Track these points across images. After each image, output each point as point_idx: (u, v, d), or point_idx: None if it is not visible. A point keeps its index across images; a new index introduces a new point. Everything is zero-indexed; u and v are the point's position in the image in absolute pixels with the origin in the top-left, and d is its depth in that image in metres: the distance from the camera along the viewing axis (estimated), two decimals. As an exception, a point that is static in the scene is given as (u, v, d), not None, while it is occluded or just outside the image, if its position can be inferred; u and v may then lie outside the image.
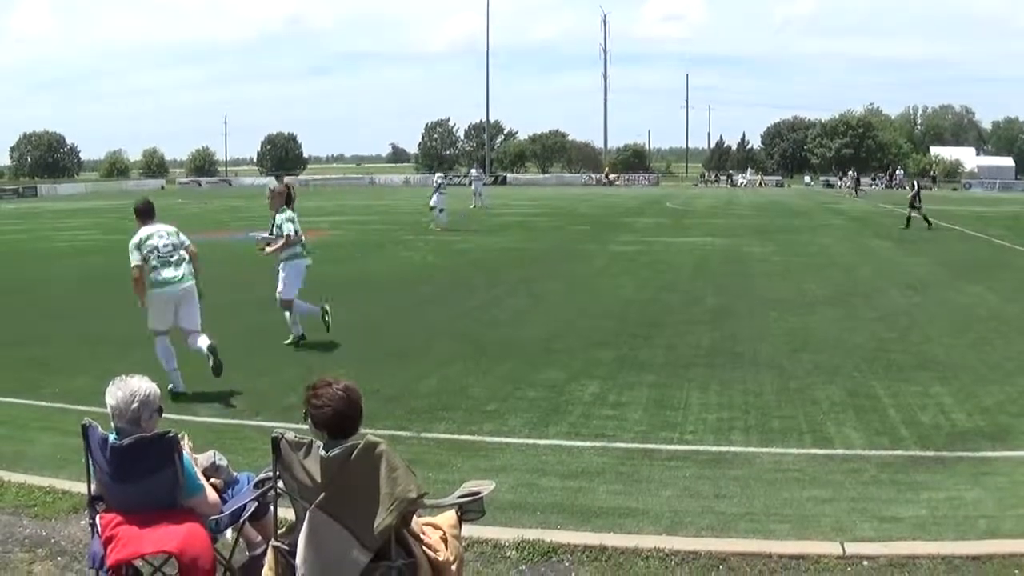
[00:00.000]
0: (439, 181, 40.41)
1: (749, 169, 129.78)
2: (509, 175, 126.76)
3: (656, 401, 11.17)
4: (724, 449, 9.42)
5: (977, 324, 16.61)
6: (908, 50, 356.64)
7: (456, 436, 9.85)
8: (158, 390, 5.68)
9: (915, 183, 43.67)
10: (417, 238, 34.40)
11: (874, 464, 8.97)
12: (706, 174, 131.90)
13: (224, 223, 41.95)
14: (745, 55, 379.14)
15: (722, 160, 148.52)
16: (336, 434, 5.02)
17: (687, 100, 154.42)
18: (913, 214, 39.37)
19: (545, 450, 9.37)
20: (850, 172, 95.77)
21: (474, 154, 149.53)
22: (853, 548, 6.94)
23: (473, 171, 67.66)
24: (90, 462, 5.66)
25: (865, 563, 6.74)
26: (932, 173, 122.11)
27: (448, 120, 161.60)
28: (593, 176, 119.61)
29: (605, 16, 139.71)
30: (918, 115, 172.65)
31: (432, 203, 38.99)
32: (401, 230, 38.79)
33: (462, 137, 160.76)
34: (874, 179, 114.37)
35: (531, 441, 9.63)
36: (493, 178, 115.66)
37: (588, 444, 9.54)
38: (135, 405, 5.50)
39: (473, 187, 58.44)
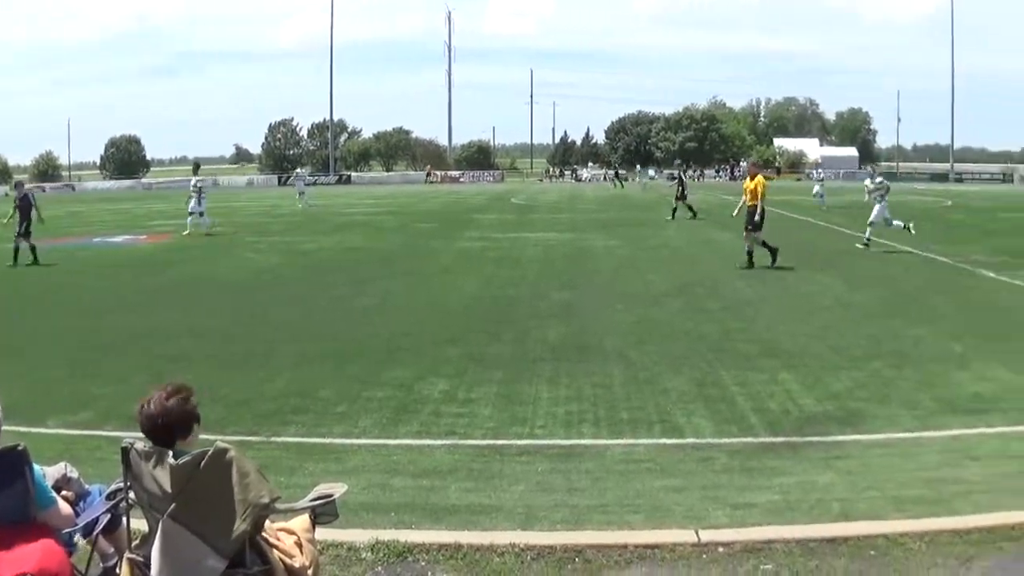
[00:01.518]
0: (199, 186, 38.56)
1: (589, 163, 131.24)
2: (354, 174, 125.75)
3: (505, 397, 11.21)
4: (575, 442, 9.50)
5: (822, 311, 17.08)
6: (752, 43, 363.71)
7: (306, 439, 9.76)
8: None
9: (678, 175, 44.29)
10: (261, 239, 33.97)
11: (725, 452, 9.14)
12: (551, 169, 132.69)
13: (68, 229, 40.79)
14: (591, 50, 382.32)
15: (566, 155, 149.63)
16: (159, 442, 4.93)
17: (531, 96, 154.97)
18: (677, 205, 40.58)
19: (396, 450, 9.35)
20: (614, 164, 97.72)
21: (318, 153, 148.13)
22: (708, 535, 7.06)
23: (298, 171, 67.02)
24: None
25: (720, 549, 6.86)
26: (776, 164, 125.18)
27: (292, 119, 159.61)
28: (437, 173, 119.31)
29: (450, 13, 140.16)
30: (761, 107, 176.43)
31: (190, 208, 37.89)
32: (245, 232, 38.22)
33: (306, 136, 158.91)
34: (717, 171, 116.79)
35: (381, 441, 9.59)
36: (337, 177, 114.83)
37: (439, 442, 9.54)
38: None
39: (296, 187, 58.04)
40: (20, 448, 5.37)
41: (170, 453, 4.89)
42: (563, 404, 10.83)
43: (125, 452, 5.02)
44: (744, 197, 24.65)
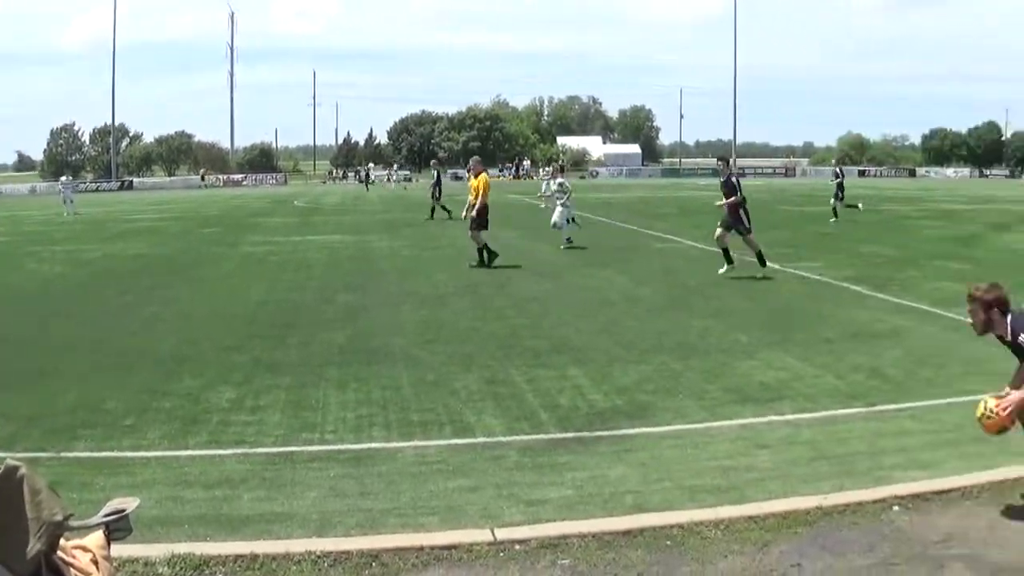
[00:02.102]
0: None
1: (371, 164, 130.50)
2: (136, 179, 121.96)
3: (294, 403, 11.07)
4: (366, 446, 9.44)
5: (608, 307, 17.35)
6: (534, 42, 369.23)
7: (96, 454, 9.45)
8: None
9: (436, 173, 44.26)
10: (44, 248, 32.73)
11: (516, 449, 9.21)
12: (334, 171, 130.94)
13: None
14: (374, 50, 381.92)
15: (350, 156, 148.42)
16: None
17: (314, 96, 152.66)
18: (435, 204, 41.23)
19: (187, 461, 9.13)
20: (368, 165, 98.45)
21: (100, 159, 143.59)
22: (503, 533, 7.10)
23: (63, 178, 64.79)
24: None
25: (517, 547, 6.90)
26: (560, 162, 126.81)
27: (74, 124, 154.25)
28: (220, 177, 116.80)
29: (233, 13, 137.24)
30: (545, 106, 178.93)
31: None
32: (28, 241, 36.74)
33: (88, 142, 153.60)
34: (501, 170, 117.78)
35: (172, 453, 9.35)
36: (120, 183, 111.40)
37: (229, 452, 9.35)
38: None
39: (62, 196, 56.22)
40: None
41: (-44, 474, 4.67)
42: (353, 408, 10.75)
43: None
44: (470, 196, 24.75)
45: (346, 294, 19.61)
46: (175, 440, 9.76)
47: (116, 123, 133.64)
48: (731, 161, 24.89)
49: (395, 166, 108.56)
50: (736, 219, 21.50)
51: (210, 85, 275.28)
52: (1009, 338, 7.61)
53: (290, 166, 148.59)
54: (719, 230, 21.67)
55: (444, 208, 41.24)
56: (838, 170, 40.65)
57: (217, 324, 16.40)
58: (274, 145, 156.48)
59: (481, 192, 24.16)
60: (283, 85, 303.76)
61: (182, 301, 19.40)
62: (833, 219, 37.56)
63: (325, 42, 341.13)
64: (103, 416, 10.71)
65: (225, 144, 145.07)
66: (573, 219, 30.18)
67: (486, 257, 23.71)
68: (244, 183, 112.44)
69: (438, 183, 42.86)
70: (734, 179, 21.80)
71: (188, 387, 11.91)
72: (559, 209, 29.40)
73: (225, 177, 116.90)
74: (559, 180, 31.21)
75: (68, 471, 8.89)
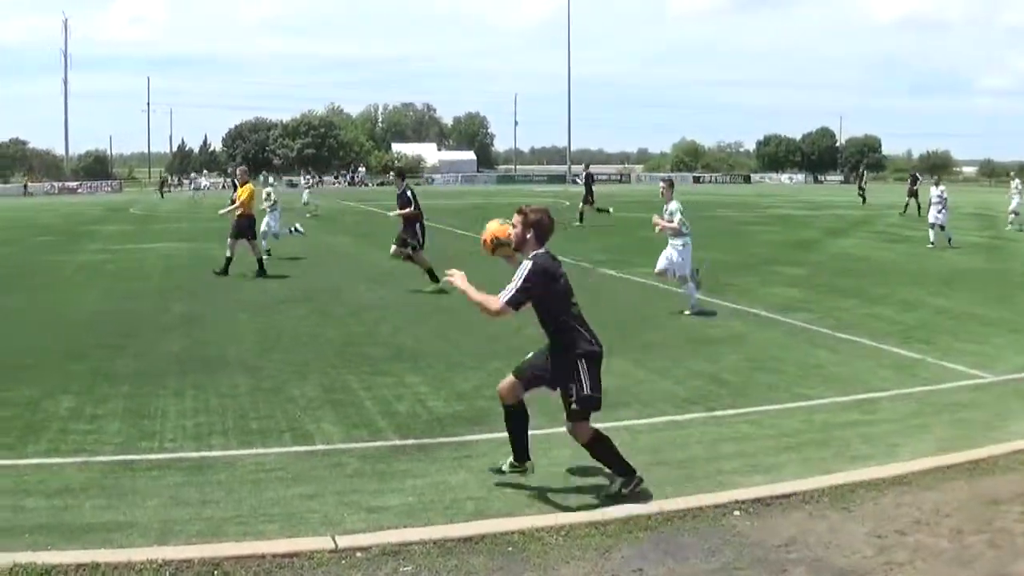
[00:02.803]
0: None
1: (205, 172, 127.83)
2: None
3: (133, 411, 10.87)
4: (206, 454, 9.34)
5: (443, 313, 17.43)
6: (368, 49, 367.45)
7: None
8: None
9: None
10: None
11: (356, 456, 9.21)
12: (169, 179, 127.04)
13: None
14: (208, 56, 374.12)
15: (184, 163, 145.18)
16: None
17: (148, 103, 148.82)
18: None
19: (26, 470, 8.91)
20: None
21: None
22: (345, 541, 7.07)
23: None
24: None
25: (359, 554, 6.88)
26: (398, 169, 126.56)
27: None
28: (54, 185, 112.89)
29: (66, 20, 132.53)
30: (379, 113, 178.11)
31: None
32: None
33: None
34: (336, 177, 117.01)
35: (10, 462, 9.11)
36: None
37: (69, 460, 9.15)
38: None
39: None
40: None
41: None
42: (191, 416, 10.60)
43: None
44: (234, 205, 24.65)
45: (183, 302, 19.28)
46: (14, 449, 9.52)
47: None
48: (404, 175, 24.77)
49: (193, 174, 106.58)
50: (411, 233, 21.40)
51: (44, 91, 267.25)
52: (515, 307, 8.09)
53: (126, 173, 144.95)
54: (393, 246, 21.66)
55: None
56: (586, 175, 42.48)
57: (55, 333, 16.04)
58: (109, 152, 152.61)
59: (246, 202, 24.08)
60: (117, 92, 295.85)
61: (18, 310, 18.87)
62: (577, 223, 39.01)
63: (159, 48, 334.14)
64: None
65: (60, 151, 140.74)
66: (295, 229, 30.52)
67: (223, 268, 23.74)
68: (79, 191, 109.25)
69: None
70: (409, 193, 21.64)
71: (26, 396, 11.61)
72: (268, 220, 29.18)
73: (60, 184, 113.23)
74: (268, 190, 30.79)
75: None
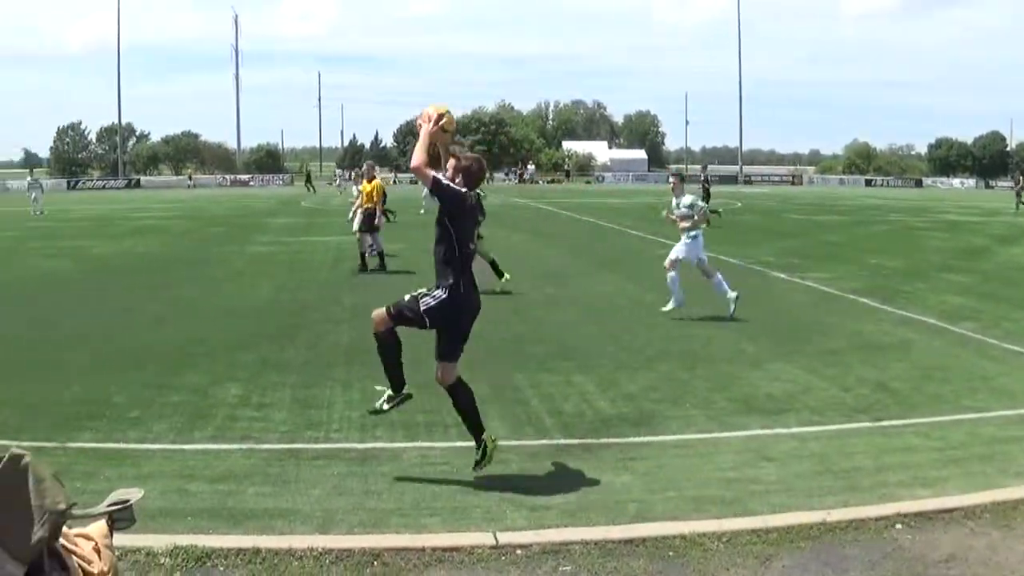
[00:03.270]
0: None
1: (376, 167, 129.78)
2: (143, 178, 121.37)
3: (300, 401, 11.09)
4: (370, 445, 9.45)
5: (616, 313, 17.33)
6: (538, 45, 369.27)
7: (102, 445, 9.46)
8: None
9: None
10: (50, 244, 32.67)
11: (520, 454, 9.20)
12: (338, 172, 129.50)
13: None
14: (376, 52, 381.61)
15: (355, 159, 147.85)
16: None
17: (319, 98, 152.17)
18: None
19: (192, 455, 9.15)
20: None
21: (106, 157, 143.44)
22: (505, 537, 7.08)
23: (28, 179, 63.93)
24: None
25: (519, 551, 6.88)
26: (566, 167, 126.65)
27: (80, 123, 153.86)
28: (226, 178, 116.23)
29: (236, 16, 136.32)
30: (549, 110, 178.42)
31: None
32: (34, 236, 36.65)
33: (94, 140, 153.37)
34: (506, 174, 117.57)
35: (177, 447, 9.37)
36: (127, 181, 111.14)
37: (234, 447, 9.37)
38: None
39: (32, 195, 55.65)
40: None
41: (-36, 462, 4.66)
42: (357, 407, 10.69)
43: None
44: (361, 199, 24.93)
45: (351, 295, 19.57)
46: (181, 433, 9.79)
47: (123, 122, 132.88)
48: None
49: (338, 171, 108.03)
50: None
51: (217, 86, 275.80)
52: (431, 185, 8.63)
53: (297, 167, 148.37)
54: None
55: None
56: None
57: (225, 322, 16.41)
58: (280, 146, 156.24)
59: (374, 197, 24.38)
60: (288, 87, 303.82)
61: (190, 299, 19.38)
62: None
63: (329, 45, 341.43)
64: (109, 409, 10.71)
65: (232, 145, 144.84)
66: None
67: (372, 264, 24.05)
68: (251, 184, 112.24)
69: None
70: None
71: (195, 382, 11.93)
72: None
73: (232, 177, 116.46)
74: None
75: (73, 461, 8.90)
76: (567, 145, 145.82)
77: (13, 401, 10.80)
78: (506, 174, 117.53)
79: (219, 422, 10.23)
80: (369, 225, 24.16)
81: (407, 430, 9.97)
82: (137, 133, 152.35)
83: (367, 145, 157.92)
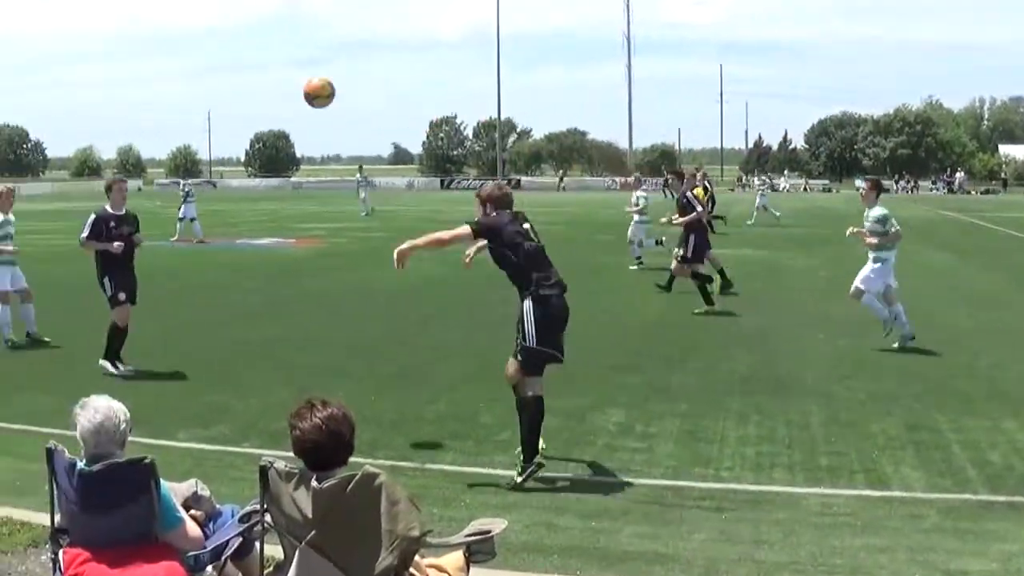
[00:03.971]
0: (187, 189, 40.73)
1: (786, 172, 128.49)
2: (524, 178, 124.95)
3: (688, 433, 11.12)
4: (765, 488, 9.36)
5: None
6: (974, 35, 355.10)
7: (465, 468, 9.81)
8: (127, 412, 5.65)
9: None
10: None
11: (936, 509, 8.88)
12: (743, 177, 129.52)
13: (209, 229, 41.71)
14: (786, 41, 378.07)
15: (761, 161, 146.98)
16: (314, 466, 4.98)
17: (721, 93, 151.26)
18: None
19: (563, 485, 9.34)
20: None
21: (484, 155, 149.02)
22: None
23: (358, 176, 66.14)
24: (55, 490, 5.61)
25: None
26: (1002, 175, 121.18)
27: (455, 117, 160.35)
28: (616, 180, 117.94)
29: (628, 1, 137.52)
30: (985, 108, 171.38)
31: (181, 213, 39.43)
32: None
33: (470, 136, 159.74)
34: (934, 183, 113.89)
35: (548, 475, 9.53)
36: (505, 182, 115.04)
37: (612, 479, 9.51)
38: (106, 427, 5.47)
39: (362, 194, 58.56)
40: (147, 461, 5.48)
41: (314, 476, 4.92)
42: (753, 444, 10.67)
43: (263, 471, 5.08)
44: (677, 212, 22.95)
45: (753, 316, 19.44)
46: (554, 460, 9.94)
47: (503, 117, 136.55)
48: (684, 176, 23.72)
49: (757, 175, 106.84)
50: (683, 240, 21.25)
51: (606, 79, 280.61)
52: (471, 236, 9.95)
53: (695, 168, 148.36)
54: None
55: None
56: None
57: (608, 339, 16.65)
58: (676, 146, 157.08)
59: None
60: (685, 79, 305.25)
61: (572, 313, 19.67)
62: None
63: (730, 32, 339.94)
64: (476, 428, 11.10)
65: (621, 143, 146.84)
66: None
67: (712, 289, 21.98)
68: (645, 188, 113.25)
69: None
70: (689, 195, 21.19)
71: (573, 406, 12.13)
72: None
73: (621, 180, 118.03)
74: (638, 193, 31.04)
75: (432, 483, 9.25)
76: (1004, 149, 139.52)
77: (369, 414, 11.19)
78: (933, 182, 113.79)
79: (597, 451, 10.39)
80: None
81: (808, 473, 9.81)
82: (518, 129, 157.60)
83: (774, 147, 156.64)
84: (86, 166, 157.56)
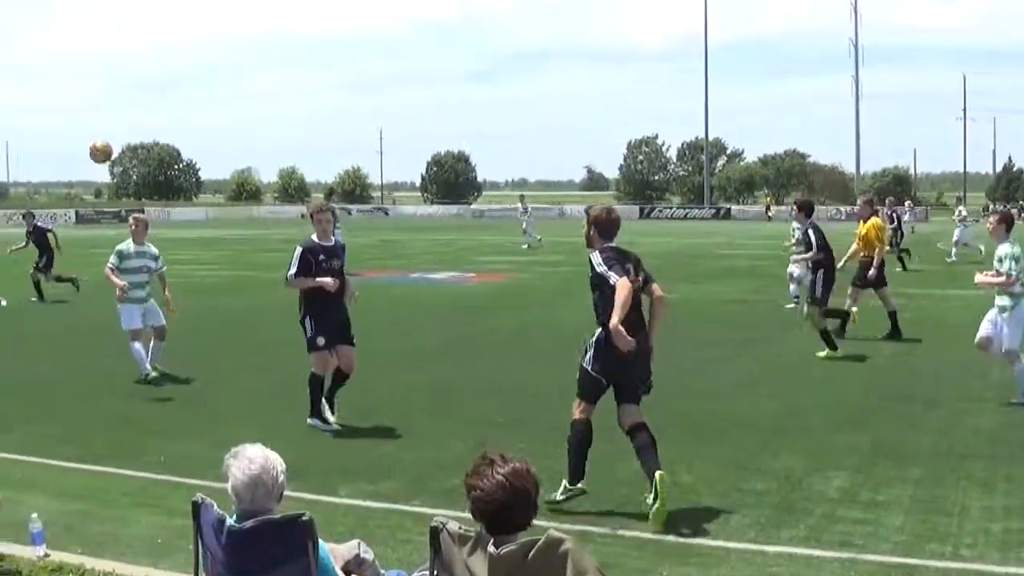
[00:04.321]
0: None
1: None
2: (734, 207, 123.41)
3: (922, 502, 10.82)
4: (1012, 571, 9.02)
5: None
6: None
7: (662, 536, 9.68)
8: (283, 464, 5.62)
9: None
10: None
11: None
12: (990, 206, 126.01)
13: (380, 261, 42.36)
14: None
15: (1011, 188, 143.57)
16: (496, 528, 4.89)
17: (964, 109, 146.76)
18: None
19: (775, 559, 9.15)
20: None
21: (688, 180, 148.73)
22: None
23: (519, 205, 66.67)
24: (200, 548, 5.62)
25: None
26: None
27: (656, 137, 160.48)
28: (842, 209, 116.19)
29: (856, 2, 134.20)
30: None
31: None
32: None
33: (674, 159, 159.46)
34: None
35: (757, 547, 9.41)
36: (715, 210, 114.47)
37: (831, 554, 9.27)
38: (262, 479, 5.44)
39: (524, 224, 59.18)
40: (305, 518, 5.45)
41: (492, 540, 4.84)
42: (1000, 518, 10.31)
43: (435, 533, 5.03)
44: (855, 244, 22.91)
45: (1002, 368, 18.42)
46: (764, 530, 9.84)
47: (710, 137, 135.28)
48: (807, 209, 22.18)
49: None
50: (810, 284, 21.09)
51: (829, 95, 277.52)
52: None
53: (931, 198, 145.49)
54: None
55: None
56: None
57: (829, 392, 16.41)
58: (912, 170, 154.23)
59: (872, 241, 22.56)
60: (920, 93, 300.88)
61: (784, 359, 19.53)
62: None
63: (975, 37, 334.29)
64: (675, 490, 10.86)
65: (848, 167, 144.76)
66: None
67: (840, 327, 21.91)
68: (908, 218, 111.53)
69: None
70: (811, 233, 20.56)
71: (787, 467, 11.98)
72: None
73: (847, 209, 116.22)
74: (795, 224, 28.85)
75: (624, 553, 9.19)
76: None
77: (553, 470, 10.74)
78: None
79: (814, 520, 10.17)
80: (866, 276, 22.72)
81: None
82: (728, 151, 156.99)
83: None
84: (244, 189, 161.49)
